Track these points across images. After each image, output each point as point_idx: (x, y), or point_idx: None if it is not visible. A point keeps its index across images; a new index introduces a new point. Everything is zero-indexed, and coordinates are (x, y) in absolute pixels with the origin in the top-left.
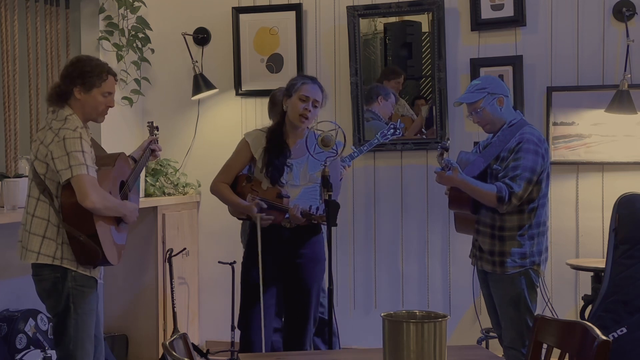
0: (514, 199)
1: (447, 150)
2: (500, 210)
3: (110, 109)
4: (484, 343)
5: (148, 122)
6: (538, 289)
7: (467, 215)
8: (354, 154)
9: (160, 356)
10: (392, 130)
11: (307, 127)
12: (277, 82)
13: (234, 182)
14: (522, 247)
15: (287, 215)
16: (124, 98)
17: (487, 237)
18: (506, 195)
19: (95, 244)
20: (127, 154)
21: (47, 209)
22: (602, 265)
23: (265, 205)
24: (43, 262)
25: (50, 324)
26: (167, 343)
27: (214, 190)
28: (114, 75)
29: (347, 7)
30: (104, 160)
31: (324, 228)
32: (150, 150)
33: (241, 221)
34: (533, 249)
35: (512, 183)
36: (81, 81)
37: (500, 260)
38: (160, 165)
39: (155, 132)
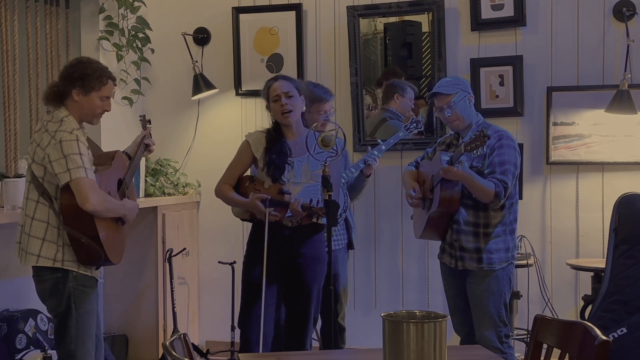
0: (507, 193)
1: (488, 137)
2: (495, 205)
3: (109, 111)
4: None
5: (140, 116)
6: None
7: (446, 217)
8: (381, 146)
9: (160, 356)
10: (414, 124)
11: (305, 125)
12: None
13: (238, 184)
14: (505, 242)
15: (288, 214)
16: (124, 98)
17: (471, 236)
18: (502, 191)
19: (97, 245)
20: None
21: (46, 212)
22: (602, 265)
23: (267, 196)
24: (44, 265)
25: (51, 324)
26: (167, 343)
27: (218, 192)
28: (114, 80)
29: (347, 7)
30: (101, 159)
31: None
32: (144, 145)
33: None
34: (513, 243)
35: (504, 178)
36: (81, 83)
37: (488, 257)
38: (160, 165)
39: (148, 125)
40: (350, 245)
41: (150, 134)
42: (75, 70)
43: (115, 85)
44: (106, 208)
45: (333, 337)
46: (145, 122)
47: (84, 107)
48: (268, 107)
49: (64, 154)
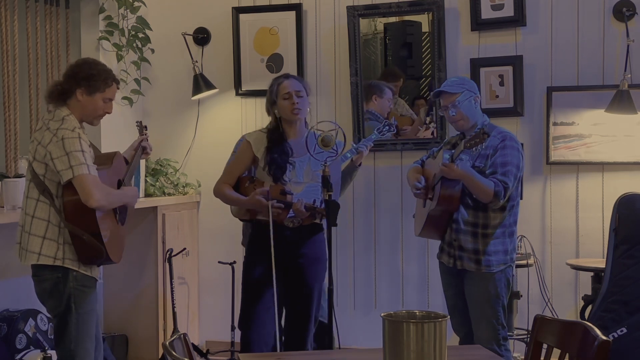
0: (507, 194)
1: (488, 135)
2: (494, 205)
3: (110, 113)
4: None
5: (137, 122)
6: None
7: (445, 215)
8: (352, 149)
9: (160, 356)
10: (387, 127)
11: (307, 127)
12: None
13: (237, 185)
14: (504, 244)
15: (289, 215)
16: (124, 98)
17: (469, 236)
18: (502, 191)
19: (98, 242)
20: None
21: (47, 210)
22: (602, 265)
23: (267, 189)
24: (44, 263)
25: (51, 324)
26: (167, 343)
27: (217, 192)
28: (118, 83)
29: (347, 7)
30: (101, 159)
31: (324, 226)
32: (142, 148)
33: (243, 223)
34: (512, 246)
35: (505, 178)
36: (86, 83)
37: (486, 259)
38: (160, 165)
39: (145, 131)
40: None
41: (147, 139)
42: (82, 70)
43: (118, 88)
44: (110, 202)
45: (335, 336)
46: (142, 127)
47: (86, 107)
48: (273, 104)
49: (66, 151)
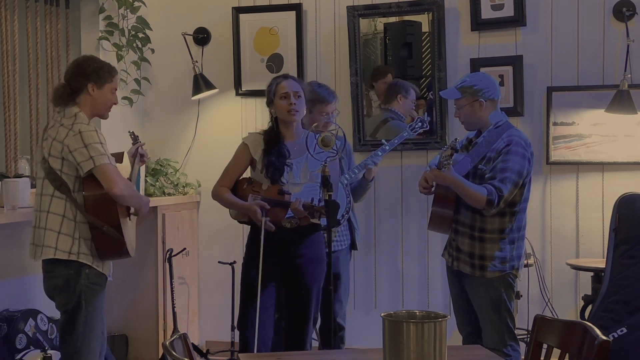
0: (502, 202)
1: (457, 151)
2: (488, 213)
3: (117, 103)
4: None
5: (130, 132)
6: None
7: (446, 214)
8: (385, 147)
9: (160, 356)
10: (419, 124)
11: (304, 126)
12: None
13: (235, 186)
14: (503, 251)
15: (288, 215)
16: (124, 98)
17: (467, 238)
18: (496, 199)
19: (118, 234)
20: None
21: (62, 205)
22: (602, 265)
23: (268, 206)
24: (60, 258)
25: (51, 324)
26: (167, 343)
27: (215, 195)
28: (117, 72)
29: (347, 7)
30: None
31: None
32: (139, 155)
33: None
34: (513, 253)
35: (501, 185)
36: (96, 76)
37: (480, 264)
38: (160, 165)
39: (139, 141)
40: (353, 246)
41: (142, 147)
42: (88, 66)
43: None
44: (131, 194)
45: (333, 336)
46: (135, 137)
47: (98, 101)
48: (271, 104)
49: (85, 143)
